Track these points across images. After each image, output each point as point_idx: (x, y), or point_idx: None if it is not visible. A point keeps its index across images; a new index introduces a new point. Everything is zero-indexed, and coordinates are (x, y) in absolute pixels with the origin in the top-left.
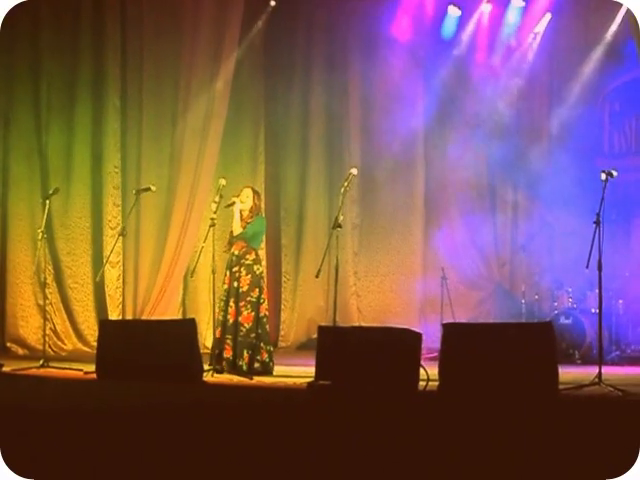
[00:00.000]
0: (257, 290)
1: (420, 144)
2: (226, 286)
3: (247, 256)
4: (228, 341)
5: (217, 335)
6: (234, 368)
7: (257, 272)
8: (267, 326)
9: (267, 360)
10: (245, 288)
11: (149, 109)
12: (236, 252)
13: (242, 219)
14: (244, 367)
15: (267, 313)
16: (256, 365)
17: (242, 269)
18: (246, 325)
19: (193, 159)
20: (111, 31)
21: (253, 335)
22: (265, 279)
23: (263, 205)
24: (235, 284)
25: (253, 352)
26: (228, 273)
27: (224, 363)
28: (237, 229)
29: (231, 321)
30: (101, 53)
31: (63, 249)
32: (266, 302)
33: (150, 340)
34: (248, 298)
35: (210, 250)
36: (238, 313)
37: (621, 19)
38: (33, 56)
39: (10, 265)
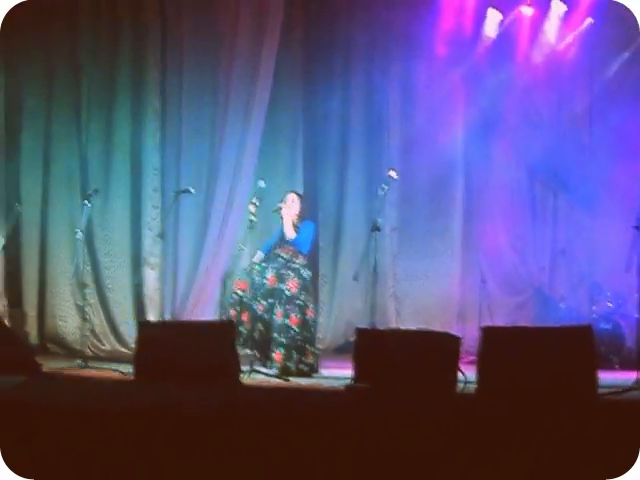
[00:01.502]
0: (304, 293)
1: (460, 148)
2: (267, 286)
3: (295, 260)
4: (276, 342)
5: (258, 334)
6: (285, 370)
7: (305, 276)
8: (312, 329)
9: (312, 362)
10: (294, 291)
11: (188, 111)
12: (284, 255)
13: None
14: (292, 368)
15: (313, 316)
16: (301, 366)
17: (290, 272)
18: (295, 328)
19: (232, 161)
20: (151, 34)
21: (299, 338)
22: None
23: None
24: (282, 286)
25: (300, 354)
26: (274, 273)
27: (276, 365)
28: (290, 233)
29: (279, 322)
30: (141, 55)
31: (102, 250)
32: (312, 305)
33: (188, 341)
34: (296, 301)
35: (248, 253)
36: (285, 316)
37: None
38: (73, 58)
39: (49, 266)
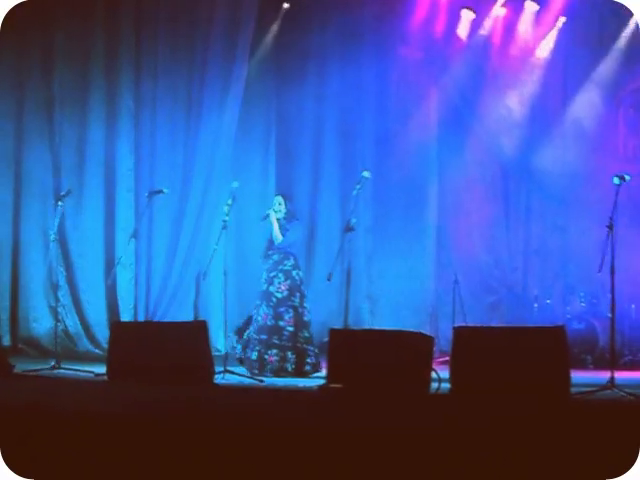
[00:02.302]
0: (298, 294)
1: (434, 147)
2: (263, 288)
3: (285, 261)
4: (267, 344)
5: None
6: (281, 370)
7: (296, 277)
8: (311, 329)
9: (315, 361)
10: (285, 293)
11: (163, 112)
12: (275, 257)
13: (280, 227)
14: (289, 369)
15: (309, 316)
16: (307, 368)
17: (280, 274)
18: (289, 329)
19: (205, 161)
20: (125, 33)
21: (301, 339)
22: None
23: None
24: (271, 288)
25: (302, 355)
26: (265, 275)
27: (269, 367)
28: (277, 238)
29: (268, 324)
30: (115, 55)
31: (75, 251)
32: (307, 305)
33: (162, 342)
34: (289, 302)
35: (222, 252)
36: (278, 318)
37: (635, 22)
38: (45, 57)
39: (22, 267)
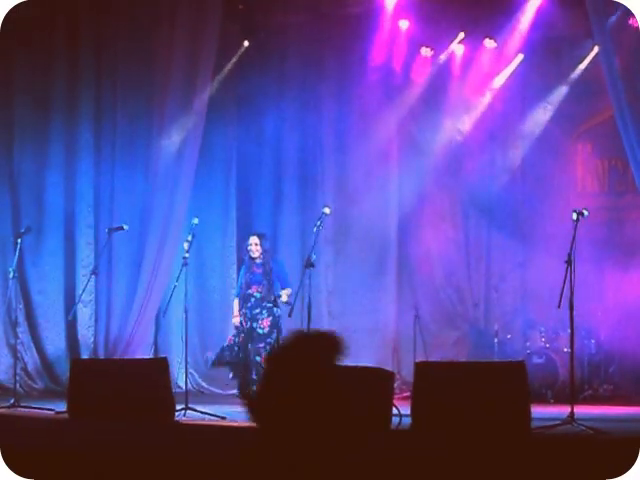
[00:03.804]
0: (276, 332)
1: (394, 184)
2: (242, 325)
3: (268, 299)
4: (252, 381)
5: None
6: None
7: (276, 314)
8: None
9: None
10: (266, 330)
11: (122, 148)
12: (257, 294)
13: (254, 266)
14: None
15: None
16: None
17: (264, 311)
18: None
19: (166, 198)
20: (85, 68)
21: None
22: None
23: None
24: (254, 325)
25: None
26: (248, 313)
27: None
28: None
29: (254, 361)
30: (75, 92)
31: (35, 288)
32: None
33: (122, 379)
34: (268, 340)
35: (182, 289)
36: (257, 354)
37: (591, 59)
38: (5, 93)
39: None
